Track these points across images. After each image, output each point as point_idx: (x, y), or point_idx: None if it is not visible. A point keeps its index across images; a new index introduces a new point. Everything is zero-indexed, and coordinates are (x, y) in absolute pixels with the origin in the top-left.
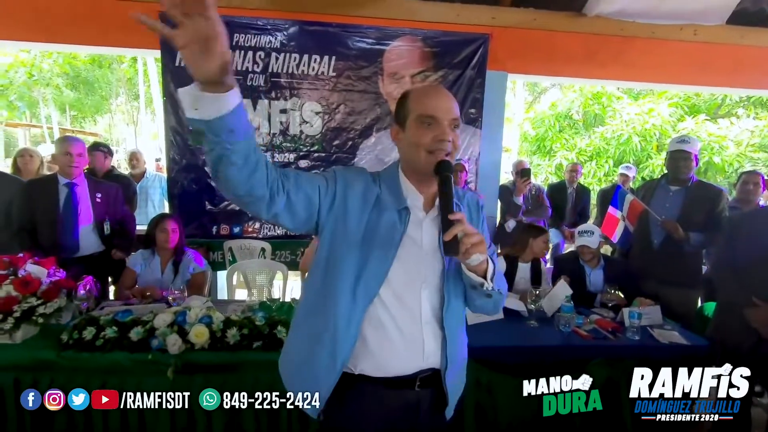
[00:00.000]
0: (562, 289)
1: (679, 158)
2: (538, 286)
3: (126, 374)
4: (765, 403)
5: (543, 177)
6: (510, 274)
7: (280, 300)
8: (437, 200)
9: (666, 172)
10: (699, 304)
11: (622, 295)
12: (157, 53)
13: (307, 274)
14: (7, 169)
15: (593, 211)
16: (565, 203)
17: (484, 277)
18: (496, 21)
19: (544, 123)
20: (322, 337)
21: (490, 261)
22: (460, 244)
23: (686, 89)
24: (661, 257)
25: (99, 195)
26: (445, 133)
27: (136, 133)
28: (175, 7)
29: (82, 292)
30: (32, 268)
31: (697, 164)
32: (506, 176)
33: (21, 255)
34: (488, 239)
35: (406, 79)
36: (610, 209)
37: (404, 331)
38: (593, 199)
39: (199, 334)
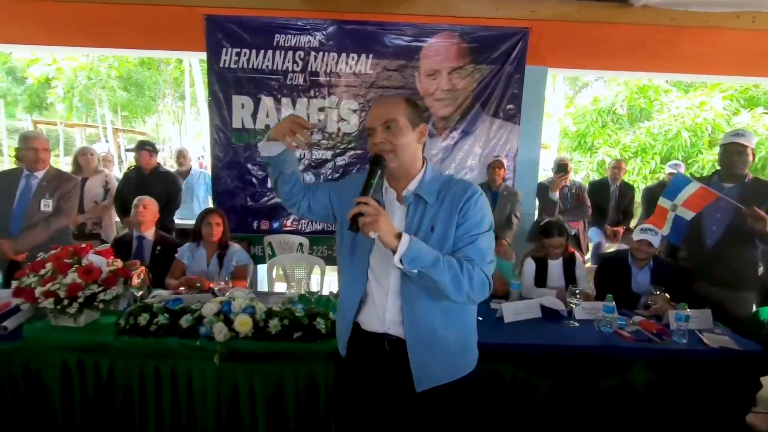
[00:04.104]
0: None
1: (733, 152)
2: (575, 286)
3: (176, 359)
4: None
5: (584, 174)
6: (541, 275)
7: (319, 293)
8: (403, 193)
9: (719, 168)
10: (754, 307)
11: (669, 297)
12: (203, 55)
13: None
14: (68, 167)
15: (637, 210)
16: (608, 201)
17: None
18: (536, 14)
19: (585, 118)
20: (342, 302)
21: (409, 245)
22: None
23: (743, 81)
24: (714, 258)
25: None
26: (376, 138)
27: (180, 132)
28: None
29: (137, 280)
30: (93, 258)
31: (753, 159)
32: (546, 174)
33: (83, 246)
34: (480, 226)
35: (443, 76)
36: (661, 200)
37: (375, 300)
38: (638, 197)
39: (243, 323)
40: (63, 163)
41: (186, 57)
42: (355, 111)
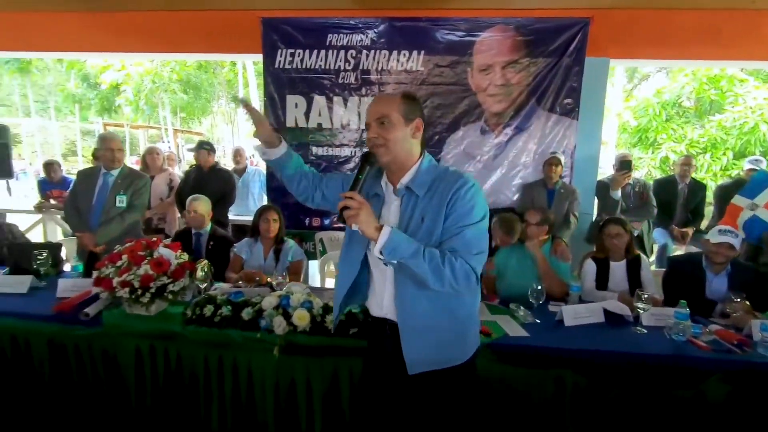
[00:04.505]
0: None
1: None
2: (642, 290)
3: (238, 350)
4: None
5: (644, 171)
6: (602, 277)
7: None
8: (397, 186)
9: None
10: None
11: (750, 305)
12: (259, 57)
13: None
14: (136, 166)
15: (708, 210)
16: (675, 200)
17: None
18: (597, 2)
19: (647, 112)
20: (336, 288)
21: (388, 237)
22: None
23: None
24: None
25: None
26: (370, 133)
27: (233, 132)
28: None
29: (201, 273)
30: (163, 251)
31: None
32: (604, 172)
33: (154, 239)
34: (467, 218)
35: (497, 71)
36: (736, 198)
37: (377, 287)
38: (710, 196)
39: (301, 318)
40: (128, 162)
41: (243, 59)
42: None
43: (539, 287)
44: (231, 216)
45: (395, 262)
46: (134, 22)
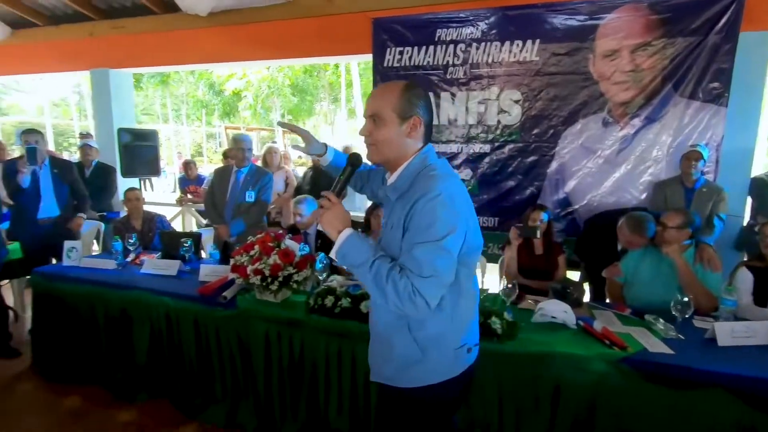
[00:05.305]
0: None
1: None
2: None
3: (357, 341)
4: None
5: None
6: (761, 290)
7: (488, 291)
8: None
9: None
10: None
11: None
12: (366, 57)
13: None
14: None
15: None
16: None
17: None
18: None
19: None
20: None
21: (342, 241)
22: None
23: None
24: None
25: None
26: (363, 130)
27: (332, 132)
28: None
29: (320, 265)
30: (289, 243)
31: None
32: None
33: (280, 231)
34: (422, 234)
35: (624, 55)
36: None
37: None
38: None
39: None
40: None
41: (352, 60)
42: (517, 101)
43: (686, 299)
44: None
45: (346, 267)
46: (257, 32)
